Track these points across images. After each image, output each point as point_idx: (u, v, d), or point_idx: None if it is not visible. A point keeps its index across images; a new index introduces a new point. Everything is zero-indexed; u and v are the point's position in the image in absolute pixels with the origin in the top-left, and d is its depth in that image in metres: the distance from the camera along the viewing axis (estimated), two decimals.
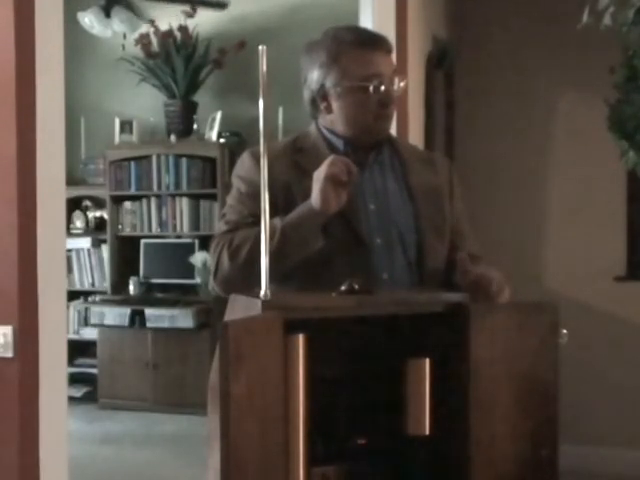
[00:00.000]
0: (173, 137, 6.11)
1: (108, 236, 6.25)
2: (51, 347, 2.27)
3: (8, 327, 2.18)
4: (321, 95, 1.96)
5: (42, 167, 2.23)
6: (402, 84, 1.97)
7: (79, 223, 6.43)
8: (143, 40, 6.07)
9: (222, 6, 6.07)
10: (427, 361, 1.42)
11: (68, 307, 5.62)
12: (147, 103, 6.30)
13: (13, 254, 2.17)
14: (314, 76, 1.95)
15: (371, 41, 1.95)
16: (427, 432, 1.43)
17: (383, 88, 1.90)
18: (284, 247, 1.76)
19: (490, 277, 1.79)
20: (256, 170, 1.86)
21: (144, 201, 6.21)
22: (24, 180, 2.19)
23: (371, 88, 1.90)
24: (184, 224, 6.13)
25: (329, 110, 1.96)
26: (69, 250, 6.08)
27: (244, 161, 1.99)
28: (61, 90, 2.33)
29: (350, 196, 1.84)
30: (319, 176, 1.77)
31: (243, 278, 1.80)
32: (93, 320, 6.12)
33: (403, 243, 1.92)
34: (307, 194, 1.81)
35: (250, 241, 1.81)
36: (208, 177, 6.05)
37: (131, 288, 6.17)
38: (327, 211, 1.77)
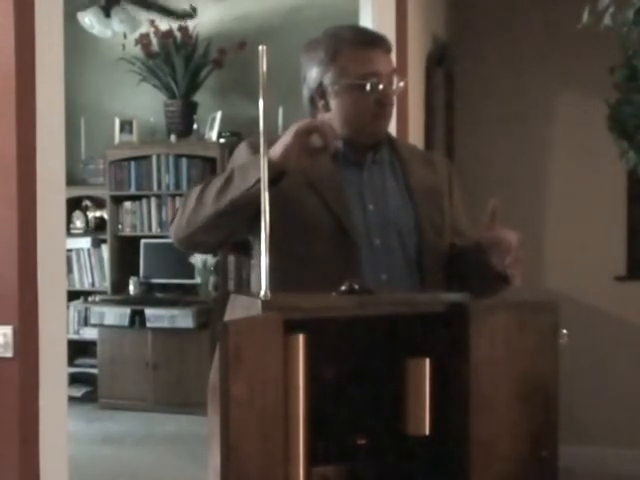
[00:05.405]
0: (173, 137, 6.11)
1: (108, 236, 6.25)
2: (51, 347, 2.27)
3: (8, 327, 2.18)
4: (319, 93, 1.95)
5: (42, 167, 2.23)
6: (401, 84, 1.96)
7: (79, 223, 6.43)
8: (143, 40, 6.08)
9: (188, 16, 6.08)
10: (427, 361, 1.42)
11: (68, 307, 5.62)
12: (147, 103, 6.30)
13: (13, 254, 2.17)
14: (313, 74, 1.95)
15: (370, 40, 1.94)
16: (427, 432, 1.43)
17: (381, 87, 1.89)
18: (227, 184, 1.76)
19: (509, 243, 1.77)
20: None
21: (144, 201, 6.21)
22: (24, 180, 2.18)
23: (368, 87, 1.88)
24: None
25: (327, 108, 1.95)
26: (69, 250, 6.08)
27: (241, 151, 1.96)
28: (61, 90, 2.32)
29: (337, 188, 1.85)
30: (291, 130, 1.72)
31: (189, 221, 1.86)
32: (93, 320, 6.12)
33: (403, 243, 1.91)
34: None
35: (202, 185, 1.83)
36: (208, 177, 6.02)
37: (131, 288, 6.17)
38: (282, 165, 1.70)
